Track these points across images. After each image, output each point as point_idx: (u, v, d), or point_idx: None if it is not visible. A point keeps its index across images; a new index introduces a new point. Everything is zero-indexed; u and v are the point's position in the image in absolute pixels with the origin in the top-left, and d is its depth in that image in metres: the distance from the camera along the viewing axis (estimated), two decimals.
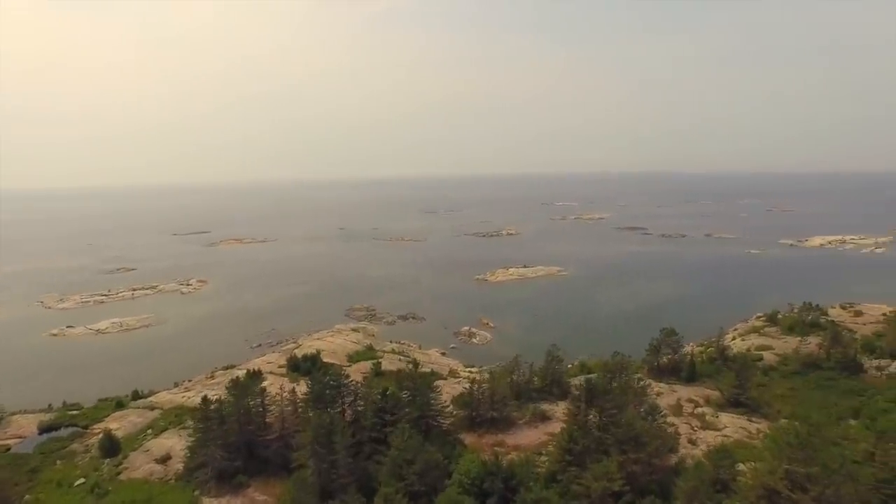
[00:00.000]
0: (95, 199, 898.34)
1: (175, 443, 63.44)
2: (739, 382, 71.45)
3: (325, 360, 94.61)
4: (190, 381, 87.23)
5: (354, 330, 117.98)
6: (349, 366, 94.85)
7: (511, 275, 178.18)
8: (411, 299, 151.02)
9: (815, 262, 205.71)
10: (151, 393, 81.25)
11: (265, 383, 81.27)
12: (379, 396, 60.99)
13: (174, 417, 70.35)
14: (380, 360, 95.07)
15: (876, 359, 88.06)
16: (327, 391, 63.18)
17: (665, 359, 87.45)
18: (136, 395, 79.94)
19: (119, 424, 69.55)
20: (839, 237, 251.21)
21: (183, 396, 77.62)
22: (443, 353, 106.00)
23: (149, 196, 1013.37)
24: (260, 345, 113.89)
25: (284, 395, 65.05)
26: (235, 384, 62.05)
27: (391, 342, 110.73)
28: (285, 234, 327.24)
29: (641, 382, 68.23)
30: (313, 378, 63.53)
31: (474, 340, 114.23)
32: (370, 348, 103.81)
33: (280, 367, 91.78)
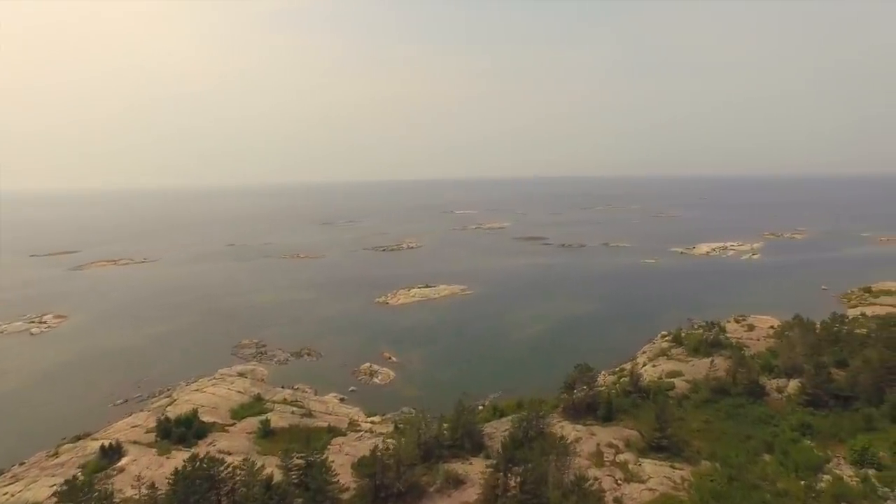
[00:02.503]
0: None
1: None
2: (660, 425, 68.00)
3: (204, 418, 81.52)
4: (23, 464, 70.15)
5: (241, 375, 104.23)
6: (233, 424, 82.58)
7: (413, 296, 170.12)
8: (306, 330, 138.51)
9: (704, 269, 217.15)
10: None
11: (124, 461, 67.35)
12: (263, 489, 50.00)
13: None
14: (269, 415, 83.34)
15: (774, 378, 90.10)
16: (197, 482, 51.41)
17: (581, 394, 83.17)
18: None
19: None
20: (722, 244, 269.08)
21: (5, 493, 61.36)
22: (341, 399, 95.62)
23: (14, 206, 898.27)
24: (126, 400, 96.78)
25: (142, 489, 52.50)
26: (71, 488, 48.40)
27: (283, 388, 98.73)
28: (168, 252, 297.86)
29: (563, 441, 62.33)
30: (178, 474, 51.16)
31: (376, 380, 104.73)
32: (258, 399, 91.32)
33: (148, 431, 77.35)
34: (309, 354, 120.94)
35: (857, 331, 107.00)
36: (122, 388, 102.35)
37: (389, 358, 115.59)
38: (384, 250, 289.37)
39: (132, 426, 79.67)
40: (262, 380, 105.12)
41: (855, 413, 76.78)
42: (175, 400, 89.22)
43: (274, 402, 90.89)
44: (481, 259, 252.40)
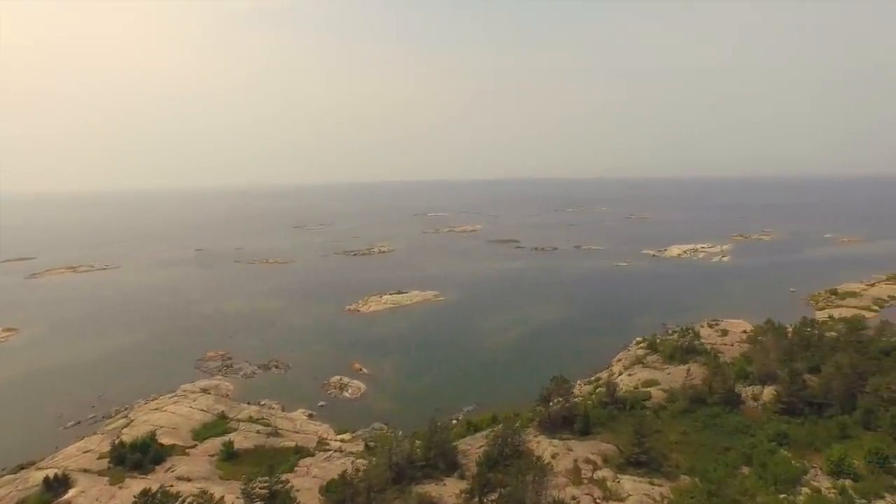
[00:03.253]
0: None
1: None
2: (638, 440, 66.32)
3: (163, 440, 77.09)
4: None
5: (204, 391, 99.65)
6: (194, 446, 78.25)
7: (385, 303, 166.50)
8: (275, 340, 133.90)
9: (676, 271, 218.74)
10: None
11: (71, 494, 62.66)
12: None
13: None
14: (233, 435, 79.33)
15: (749, 385, 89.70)
16: None
17: (557, 406, 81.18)
18: None
19: None
20: (693, 246, 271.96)
21: None
22: (310, 416, 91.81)
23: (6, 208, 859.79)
24: (79, 422, 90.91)
25: None
26: None
27: (249, 404, 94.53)
28: (133, 257, 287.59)
29: (540, 461, 60.06)
30: None
31: (346, 393, 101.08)
32: (222, 417, 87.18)
33: (101, 457, 72.49)
34: (277, 367, 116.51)
35: (827, 334, 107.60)
36: (74, 408, 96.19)
37: (360, 369, 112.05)
38: (355, 255, 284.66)
39: (83, 451, 74.69)
40: (227, 395, 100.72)
41: (829, 420, 76.69)
42: (132, 421, 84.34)
43: (239, 420, 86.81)
44: (454, 263, 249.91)
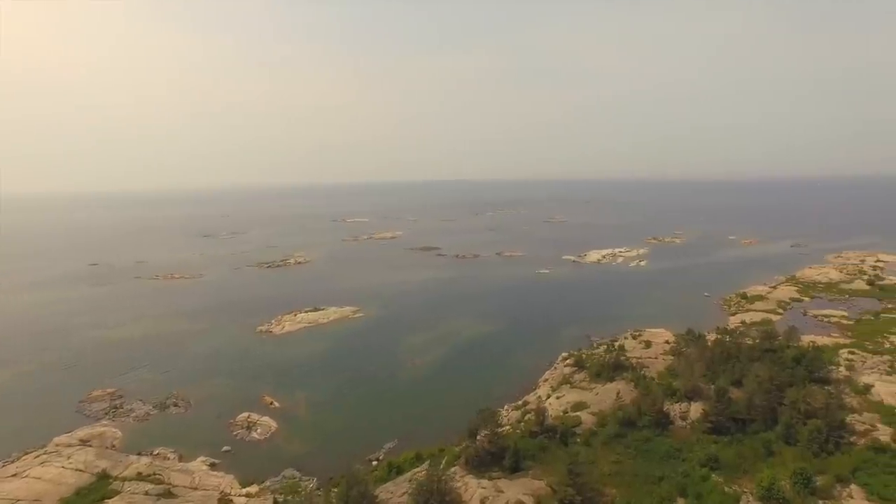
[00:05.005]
0: None
1: None
2: (572, 480, 61.91)
3: None
4: None
5: (84, 442, 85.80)
6: None
7: (300, 322, 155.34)
8: (175, 372, 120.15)
9: (596, 278, 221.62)
10: None
11: None
12: None
13: None
14: (114, 501, 67.72)
15: (676, 402, 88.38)
16: None
17: (484, 440, 75.75)
18: None
19: None
20: (611, 251, 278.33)
21: None
22: (212, 465, 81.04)
23: None
24: None
25: None
26: None
27: (140, 455, 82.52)
28: (10, 275, 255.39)
29: None
30: None
31: (254, 434, 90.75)
32: (103, 476, 74.86)
33: None
34: (176, 405, 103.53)
35: (745, 341, 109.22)
36: None
37: (271, 403, 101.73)
38: (270, 266, 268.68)
39: None
40: (114, 446, 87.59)
41: (754, 438, 76.62)
42: None
43: (124, 479, 74.78)
44: (373, 274, 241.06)
